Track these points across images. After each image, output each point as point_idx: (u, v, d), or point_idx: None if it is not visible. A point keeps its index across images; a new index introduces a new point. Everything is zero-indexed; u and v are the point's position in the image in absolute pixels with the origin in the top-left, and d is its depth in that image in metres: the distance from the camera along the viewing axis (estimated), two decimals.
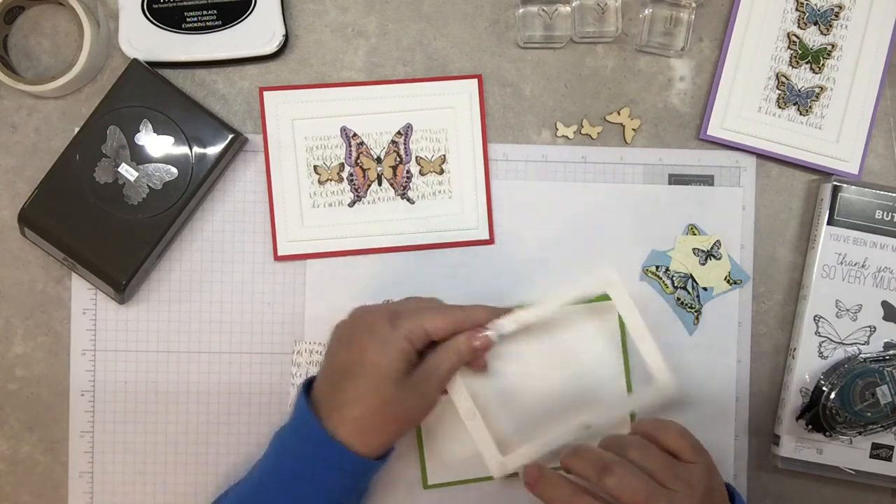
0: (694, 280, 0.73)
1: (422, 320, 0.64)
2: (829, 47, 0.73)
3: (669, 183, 0.74)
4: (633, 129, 0.74)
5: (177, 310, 0.73)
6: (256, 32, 0.71)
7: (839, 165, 0.73)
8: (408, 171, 0.73)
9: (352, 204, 0.73)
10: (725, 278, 0.74)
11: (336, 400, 0.62)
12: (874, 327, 0.72)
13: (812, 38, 0.73)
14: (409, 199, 0.73)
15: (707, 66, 0.74)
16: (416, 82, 0.73)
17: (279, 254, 0.72)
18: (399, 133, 0.73)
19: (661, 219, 0.74)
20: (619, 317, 0.73)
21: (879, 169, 0.75)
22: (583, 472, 0.60)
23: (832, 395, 0.69)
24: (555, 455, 0.65)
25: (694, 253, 0.74)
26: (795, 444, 0.72)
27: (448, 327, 0.65)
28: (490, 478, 0.73)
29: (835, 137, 0.73)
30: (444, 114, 0.73)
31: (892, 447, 0.72)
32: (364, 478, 0.63)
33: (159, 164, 0.69)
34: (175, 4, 0.71)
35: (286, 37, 0.72)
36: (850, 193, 0.72)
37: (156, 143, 0.69)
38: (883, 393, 0.69)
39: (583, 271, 0.73)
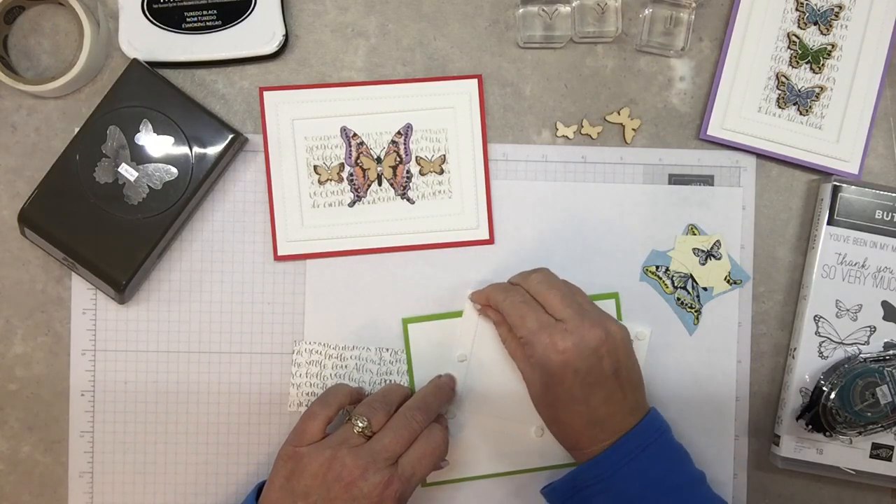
0: (694, 280, 0.73)
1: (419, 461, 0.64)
2: (829, 47, 0.73)
3: (669, 183, 0.74)
4: (633, 129, 0.74)
5: (177, 310, 0.73)
6: (256, 32, 0.71)
7: (839, 165, 0.73)
8: (408, 171, 0.73)
9: (352, 204, 0.73)
10: (725, 278, 0.74)
11: None
12: (874, 327, 0.72)
13: (812, 38, 0.73)
14: (409, 199, 0.73)
15: (707, 66, 0.74)
16: (416, 82, 0.73)
17: (279, 254, 0.72)
18: (399, 133, 0.73)
19: (661, 219, 0.74)
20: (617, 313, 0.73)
21: (879, 169, 0.75)
22: (512, 279, 0.70)
23: (832, 395, 0.69)
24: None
25: (694, 253, 0.74)
26: (795, 444, 0.72)
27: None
28: (486, 476, 0.73)
29: (835, 137, 0.73)
30: (444, 114, 0.73)
31: (892, 447, 0.72)
32: None
33: (159, 164, 0.69)
34: (175, 4, 0.71)
35: (286, 37, 0.72)
36: (850, 193, 0.72)
37: (156, 143, 0.69)
38: (883, 393, 0.69)
39: (582, 271, 0.73)
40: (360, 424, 0.64)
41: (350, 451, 0.62)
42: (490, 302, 0.69)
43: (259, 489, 0.65)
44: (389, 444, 0.63)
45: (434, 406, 0.68)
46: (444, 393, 0.70)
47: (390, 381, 0.73)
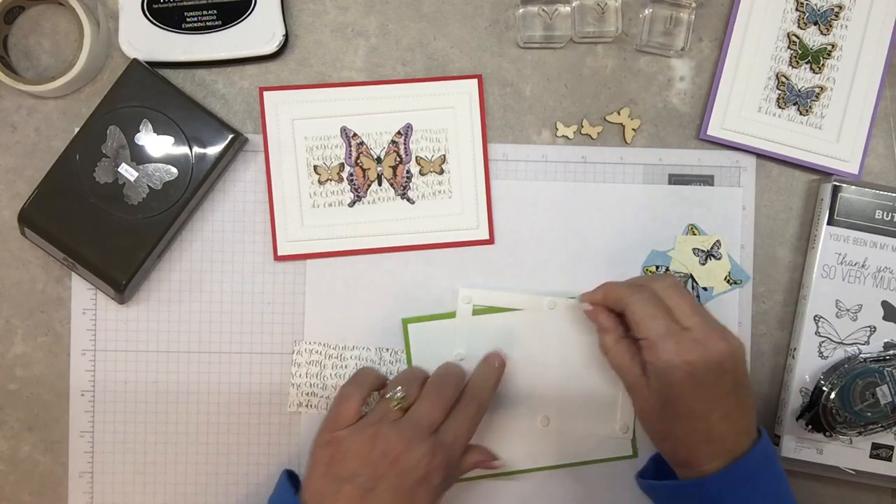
0: (694, 280, 0.73)
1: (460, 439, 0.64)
2: (829, 47, 0.73)
3: (669, 183, 0.74)
4: (633, 129, 0.74)
5: (177, 310, 0.73)
6: (256, 32, 0.71)
7: (839, 165, 0.73)
8: (408, 171, 0.73)
9: (352, 204, 0.73)
10: (725, 278, 0.74)
11: None
12: (874, 327, 0.72)
13: (812, 38, 0.73)
14: (409, 199, 0.73)
15: (707, 66, 0.74)
16: (416, 82, 0.73)
17: (279, 254, 0.72)
18: (399, 133, 0.73)
19: (661, 219, 0.74)
20: None
21: (879, 169, 0.75)
22: (634, 280, 0.66)
23: (832, 395, 0.69)
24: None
25: (694, 253, 0.74)
26: (795, 444, 0.72)
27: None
28: (493, 475, 0.73)
29: (835, 137, 0.73)
30: (444, 114, 0.73)
31: (892, 447, 0.72)
32: None
33: (159, 164, 0.69)
34: (175, 4, 0.71)
35: (286, 37, 0.72)
36: (850, 193, 0.72)
37: (156, 143, 0.69)
38: (883, 393, 0.69)
39: (582, 271, 0.73)
40: (399, 396, 0.63)
41: (392, 426, 0.61)
42: (609, 299, 0.66)
43: (289, 477, 0.65)
44: (428, 413, 0.62)
45: (460, 374, 0.67)
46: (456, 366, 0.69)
47: None
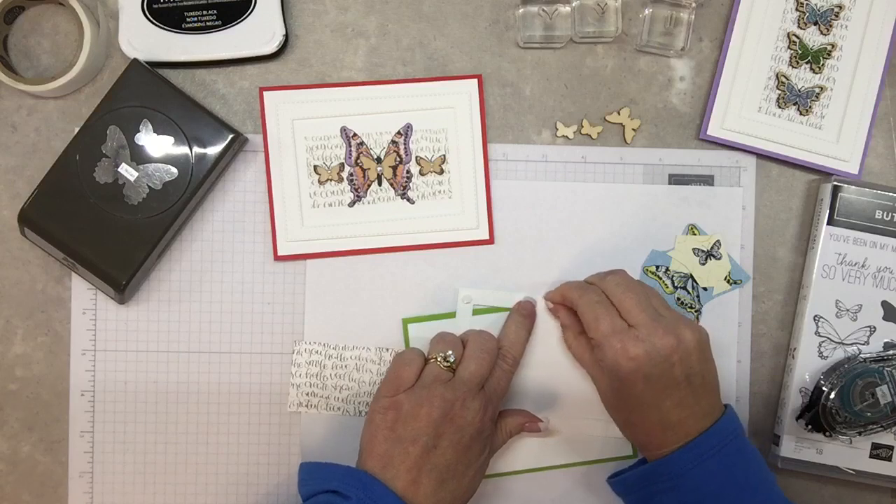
0: (694, 280, 0.74)
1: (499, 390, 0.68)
2: (829, 47, 0.73)
3: (669, 183, 0.74)
4: (633, 129, 0.74)
5: (177, 310, 0.73)
6: (256, 32, 0.71)
7: (839, 165, 0.73)
8: (408, 171, 0.73)
9: (352, 204, 0.73)
10: (725, 278, 0.74)
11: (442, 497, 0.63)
12: (874, 327, 0.72)
13: (812, 38, 0.73)
14: (409, 199, 0.73)
15: (707, 66, 0.74)
16: (416, 82, 0.73)
17: (279, 254, 0.72)
18: (399, 133, 0.73)
19: (661, 219, 0.74)
20: None
21: (879, 169, 0.75)
22: (588, 279, 0.70)
23: (832, 395, 0.69)
24: None
25: (694, 253, 0.74)
26: (795, 444, 0.72)
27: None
28: (494, 475, 0.73)
29: (835, 137, 0.73)
30: (444, 114, 0.73)
31: (892, 447, 0.72)
32: None
33: (159, 164, 0.69)
34: (175, 4, 0.71)
35: (286, 37, 0.72)
36: (850, 193, 0.72)
37: (156, 143, 0.69)
38: (883, 393, 0.69)
39: (582, 271, 0.73)
40: (451, 359, 0.66)
41: (446, 387, 0.64)
42: (565, 300, 0.70)
43: (309, 467, 0.65)
44: (477, 371, 0.66)
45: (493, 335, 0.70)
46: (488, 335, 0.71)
47: None
